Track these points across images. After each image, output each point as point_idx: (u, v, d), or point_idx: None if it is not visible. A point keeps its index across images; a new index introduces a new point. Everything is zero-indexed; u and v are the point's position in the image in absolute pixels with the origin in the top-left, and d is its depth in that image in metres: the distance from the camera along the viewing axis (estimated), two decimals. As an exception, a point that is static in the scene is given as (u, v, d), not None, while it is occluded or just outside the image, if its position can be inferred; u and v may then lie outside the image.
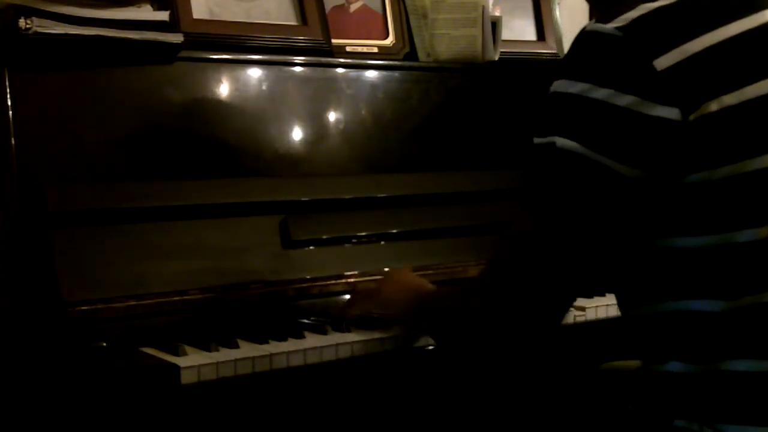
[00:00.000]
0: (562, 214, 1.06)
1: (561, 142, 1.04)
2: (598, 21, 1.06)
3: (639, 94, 1.01)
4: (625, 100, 1.01)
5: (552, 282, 1.09)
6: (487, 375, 1.58)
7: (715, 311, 1.05)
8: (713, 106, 1.01)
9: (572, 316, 1.63)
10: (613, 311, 1.69)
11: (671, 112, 1.00)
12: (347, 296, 1.61)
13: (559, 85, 1.07)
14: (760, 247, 1.03)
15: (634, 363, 1.25)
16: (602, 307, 1.68)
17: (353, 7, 1.93)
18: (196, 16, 1.68)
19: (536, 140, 1.09)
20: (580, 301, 1.69)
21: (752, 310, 1.04)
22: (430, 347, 1.48)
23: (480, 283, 1.20)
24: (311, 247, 1.63)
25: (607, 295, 1.75)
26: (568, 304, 1.15)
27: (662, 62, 1.01)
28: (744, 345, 1.04)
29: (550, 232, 1.07)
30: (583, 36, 1.07)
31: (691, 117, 1.01)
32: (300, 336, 1.41)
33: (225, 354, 1.32)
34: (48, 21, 1.43)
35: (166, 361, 1.27)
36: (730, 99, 1.02)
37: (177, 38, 1.56)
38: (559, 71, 1.08)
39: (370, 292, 1.52)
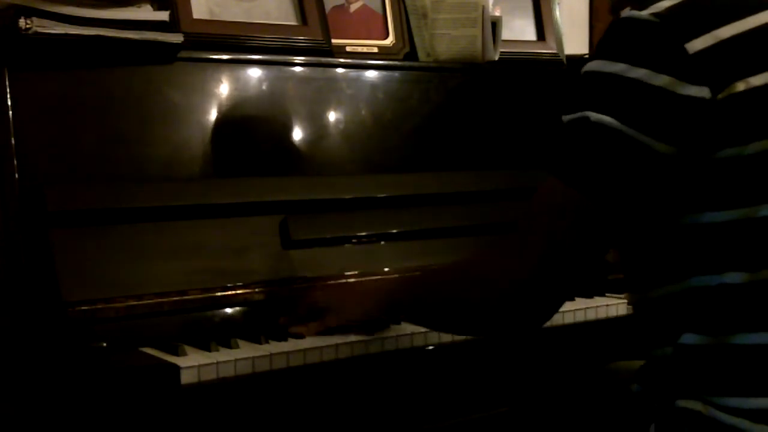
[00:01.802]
0: (597, 183, 1.09)
1: (595, 116, 1.09)
2: (633, 8, 1.13)
3: (673, 74, 1.06)
4: (660, 80, 1.07)
5: (579, 247, 1.13)
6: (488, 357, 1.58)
7: (734, 283, 1.09)
8: (741, 86, 1.07)
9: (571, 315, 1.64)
10: (614, 311, 1.69)
11: (702, 91, 1.06)
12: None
13: (595, 65, 1.12)
14: None
15: (639, 363, 1.26)
16: (602, 307, 1.68)
17: (353, 7, 1.93)
18: (196, 16, 1.68)
19: (566, 117, 1.13)
20: (579, 302, 1.69)
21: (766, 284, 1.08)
22: (430, 347, 1.49)
23: (498, 253, 1.20)
24: (311, 247, 1.63)
25: (607, 295, 1.75)
26: (584, 273, 1.17)
27: (694, 45, 1.07)
28: (758, 318, 1.08)
29: (584, 199, 1.10)
30: (620, 22, 1.13)
31: (720, 96, 1.06)
32: (300, 336, 1.41)
33: (225, 354, 1.32)
34: (48, 21, 1.43)
35: (166, 361, 1.27)
36: (756, 80, 1.08)
37: (177, 38, 1.56)
38: (595, 53, 1.13)
39: (333, 305, 1.48)
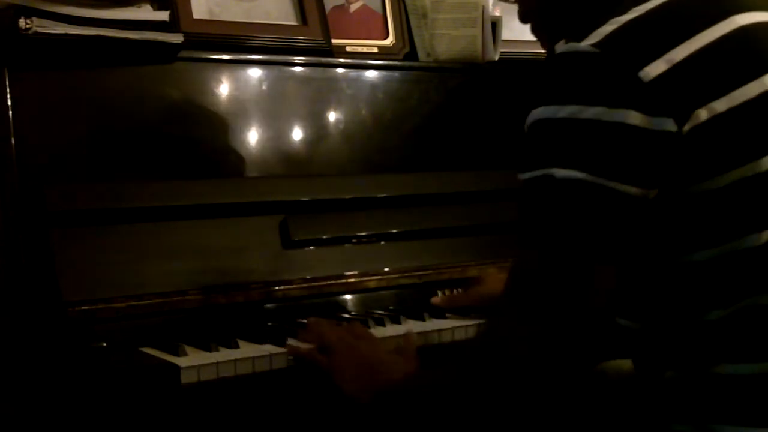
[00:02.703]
0: (574, 246, 1.01)
1: (560, 173, 0.99)
2: (568, 41, 1.03)
3: (631, 106, 0.97)
4: (617, 115, 0.97)
5: (580, 314, 1.05)
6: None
7: (715, 318, 1.04)
8: (703, 115, 0.99)
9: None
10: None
11: (667, 123, 0.98)
12: (348, 296, 1.61)
13: (543, 112, 1.02)
14: (761, 251, 1.02)
15: (628, 362, 1.25)
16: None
17: (353, 7, 1.93)
18: (196, 16, 1.68)
19: (527, 175, 1.03)
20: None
21: (748, 313, 1.03)
22: (430, 346, 1.49)
23: (504, 337, 1.10)
24: (311, 247, 1.63)
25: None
26: (603, 325, 1.10)
27: (648, 73, 0.98)
28: (740, 348, 1.04)
29: (564, 266, 1.02)
30: (558, 58, 1.04)
31: (685, 128, 0.98)
32: (300, 336, 1.41)
33: (225, 354, 1.32)
34: (48, 21, 1.43)
35: (166, 361, 1.27)
36: (719, 105, 0.99)
37: (177, 38, 1.56)
38: (539, 98, 1.03)
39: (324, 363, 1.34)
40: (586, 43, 1.00)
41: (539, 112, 1.03)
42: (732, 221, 1.01)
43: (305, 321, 1.50)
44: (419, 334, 1.48)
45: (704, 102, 0.99)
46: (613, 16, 1.03)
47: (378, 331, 1.47)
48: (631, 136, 0.97)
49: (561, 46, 1.05)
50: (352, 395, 1.26)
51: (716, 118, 0.99)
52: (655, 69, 0.98)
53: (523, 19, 1.24)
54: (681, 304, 1.06)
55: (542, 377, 1.08)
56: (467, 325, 1.52)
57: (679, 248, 1.03)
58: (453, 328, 1.52)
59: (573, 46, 1.01)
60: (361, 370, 1.28)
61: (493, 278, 1.62)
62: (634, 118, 0.97)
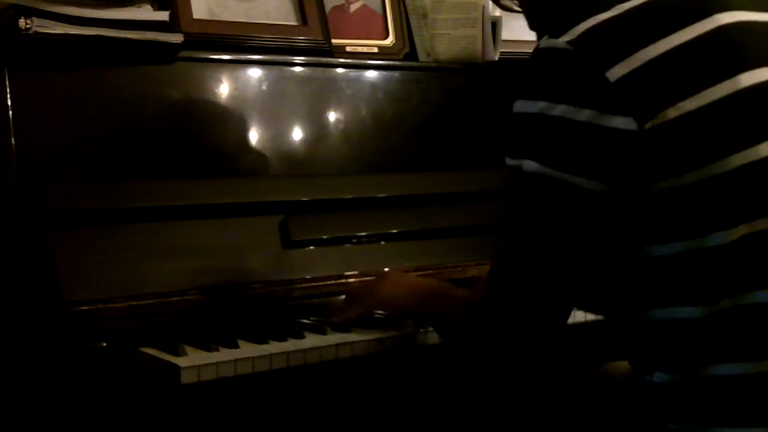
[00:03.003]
0: (536, 236, 1.07)
1: (527, 164, 1.06)
2: (551, 36, 1.06)
3: (594, 107, 1.01)
4: (582, 114, 1.01)
5: (538, 303, 1.10)
6: (485, 375, 1.58)
7: (695, 317, 1.05)
8: (672, 113, 1.01)
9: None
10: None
11: (627, 122, 1.00)
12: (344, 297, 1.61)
13: (521, 106, 1.08)
14: (731, 249, 1.03)
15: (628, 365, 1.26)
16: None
17: (353, 7, 1.93)
18: (196, 16, 1.68)
19: (509, 161, 1.10)
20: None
21: (730, 314, 1.04)
22: (430, 346, 1.49)
23: (473, 311, 1.19)
24: (311, 247, 1.63)
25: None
26: (562, 321, 1.14)
27: (615, 72, 1.01)
28: (726, 349, 1.04)
29: (527, 254, 1.08)
30: (537, 53, 1.08)
31: (647, 125, 1.00)
32: (300, 336, 1.41)
33: (225, 354, 1.31)
34: (48, 21, 1.43)
35: (166, 361, 1.27)
36: (689, 104, 1.01)
37: (177, 38, 1.56)
38: (520, 91, 1.08)
39: (365, 293, 1.50)
40: (563, 40, 1.04)
41: (518, 105, 1.08)
42: (697, 218, 1.03)
43: (305, 321, 1.51)
44: (419, 334, 1.48)
45: (673, 101, 1.01)
46: (596, 13, 1.05)
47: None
48: (592, 133, 1.01)
49: (542, 41, 1.08)
50: (397, 311, 1.45)
51: (685, 117, 1.01)
52: (622, 68, 1.01)
53: (527, 18, 1.28)
54: (654, 300, 1.08)
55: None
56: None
57: (644, 242, 1.05)
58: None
59: (551, 42, 1.05)
60: (396, 289, 1.43)
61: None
62: (597, 117, 1.01)
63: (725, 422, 1.05)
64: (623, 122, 1.00)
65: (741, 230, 1.02)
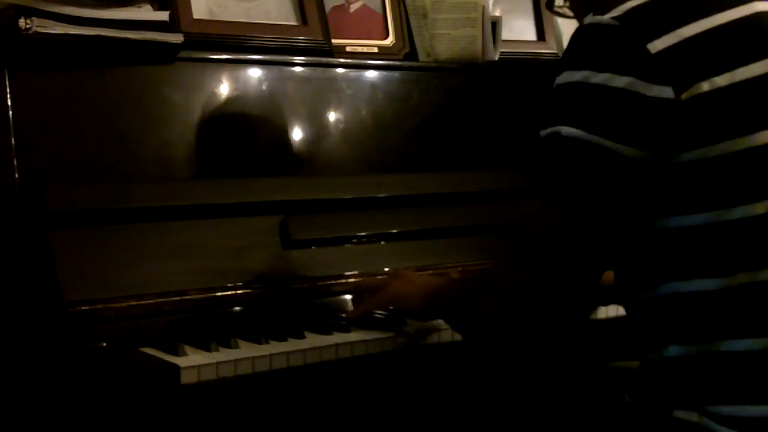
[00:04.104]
0: (575, 199, 1.09)
1: (565, 130, 1.09)
2: (595, 14, 1.12)
3: (635, 74, 1.05)
4: (622, 81, 1.06)
5: (574, 265, 1.12)
6: (502, 368, 1.58)
7: (711, 290, 1.08)
8: (705, 87, 1.06)
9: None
10: (613, 311, 1.69)
11: (665, 91, 1.05)
12: (348, 296, 1.61)
13: (562, 77, 1.12)
14: (753, 224, 1.06)
15: (637, 363, 1.26)
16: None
17: (353, 7, 1.93)
18: (196, 16, 1.68)
19: (542, 132, 1.13)
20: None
21: (746, 289, 1.07)
22: (431, 347, 1.49)
23: (505, 273, 1.19)
24: (311, 247, 1.63)
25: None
26: (592, 287, 1.16)
27: (656, 45, 1.06)
28: (740, 324, 1.07)
29: (566, 217, 1.10)
30: (582, 29, 1.12)
31: (684, 96, 1.05)
32: (300, 336, 1.41)
33: (225, 354, 1.32)
34: (48, 21, 1.43)
35: (166, 361, 1.27)
36: (721, 80, 1.06)
37: (177, 38, 1.56)
38: (561, 65, 1.12)
39: (380, 289, 1.50)
40: (608, 16, 1.09)
41: (560, 78, 1.12)
42: (723, 190, 1.07)
43: (305, 321, 1.51)
44: (419, 334, 1.48)
45: (707, 75, 1.06)
46: None
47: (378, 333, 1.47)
48: (631, 100, 1.05)
49: (587, 18, 1.13)
50: (411, 308, 1.45)
51: (716, 92, 1.06)
52: (663, 42, 1.06)
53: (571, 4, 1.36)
54: (673, 273, 1.10)
55: (530, 318, 1.15)
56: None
57: (669, 213, 1.09)
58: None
59: (596, 18, 1.11)
60: (411, 286, 1.45)
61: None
62: (637, 85, 1.05)
63: (736, 400, 1.07)
64: (661, 91, 1.05)
65: (765, 205, 1.07)
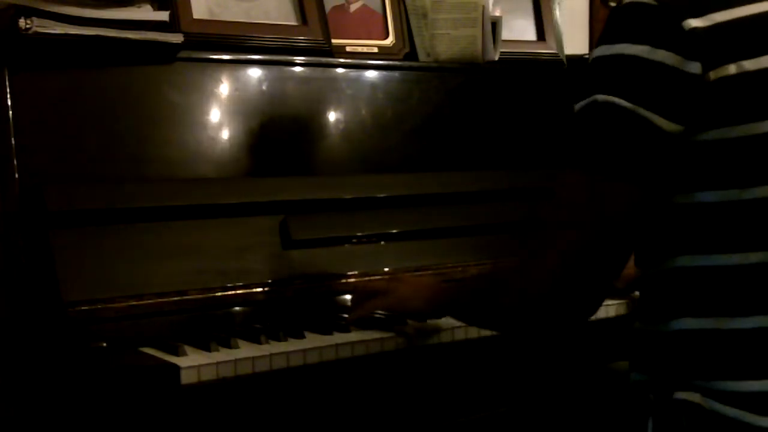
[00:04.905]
0: (615, 167, 1.11)
1: (602, 97, 1.12)
2: None
3: (671, 49, 1.09)
4: (659, 54, 1.09)
5: (612, 233, 1.14)
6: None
7: (725, 265, 1.11)
8: (732, 69, 1.09)
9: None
10: (613, 311, 1.69)
11: (695, 67, 1.09)
12: (347, 296, 1.61)
13: (598, 51, 1.15)
14: (766, 205, 1.10)
15: None
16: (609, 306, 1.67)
17: (353, 7, 1.93)
18: (196, 16, 1.68)
19: (577, 106, 1.16)
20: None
21: (759, 268, 1.10)
22: (433, 347, 1.49)
23: (543, 250, 1.19)
24: (311, 247, 1.63)
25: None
26: (625, 259, 1.18)
27: (690, 23, 1.10)
28: (751, 301, 1.10)
29: (608, 185, 1.12)
30: (619, 7, 1.16)
31: (711, 75, 1.09)
32: (300, 336, 1.41)
33: (225, 354, 1.32)
34: (48, 21, 1.43)
35: (166, 361, 1.27)
36: (749, 65, 1.10)
37: (177, 38, 1.56)
38: (599, 40, 1.16)
39: (380, 292, 1.50)
40: None
41: (595, 51, 1.16)
42: (740, 170, 1.11)
43: (305, 321, 1.51)
44: (419, 335, 1.48)
45: (735, 59, 1.10)
46: None
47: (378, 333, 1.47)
48: (667, 73, 1.09)
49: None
50: (417, 309, 1.46)
51: (743, 75, 1.10)
52: (696, 22, 1.10)
53: None
54: (691, 245, 1.14)
55: (569, 289, 1.16)
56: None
57: (692, 188, 1.12)
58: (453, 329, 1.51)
59: None
60: (413, 289, 1.48)
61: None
62: (671, 58, 1.09)
63: (741, 375, 1.10)
64: (692, 66, 1.09)
65: None
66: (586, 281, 1.15)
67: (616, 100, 1.10)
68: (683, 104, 1.09)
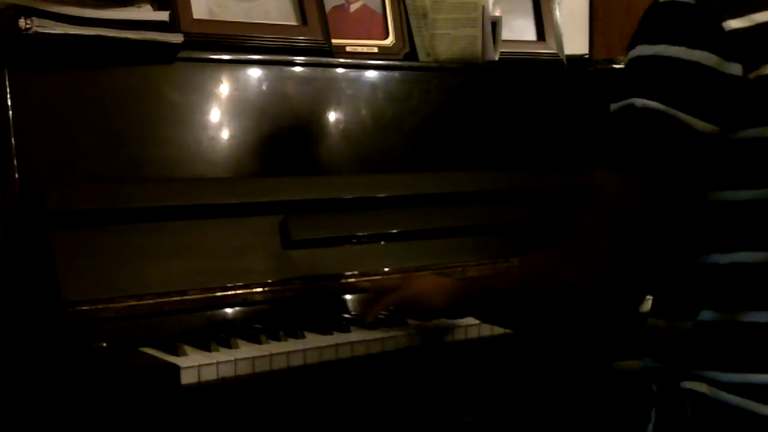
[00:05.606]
0: (649, 169, 1.12)
1: (640, 102, 1.12)
2: None
3: (709, 49, 1.09)
4: (696, 55, 1.09)
5: (648, 235, 1.15)
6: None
7: (752, 262, 1.12)
8: None
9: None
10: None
11: (735, 68, 1.09)
12: (348, 296, 1.61)
13: (636, 51, 1.15)
14: None
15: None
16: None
17: (353, 7, 1.93)
18: (196, 16, 1.68)
19: (614, 106, 1.16)
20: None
21: None
22: (430, 346, 1.49)
23: (578, 247, 1.20)
24: (311, 247, 1.62)
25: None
26: (661, 257, 1.19)
27: (730, 24, 1.09)
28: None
29: (642, 186, 1.13)
30: (657, 6, 1.15)
31: (751, 75, 1.09)
32: (300, 336, 1.41)
33: (225, 354, 1.32)
34: (48, 21, 1.43)
35: (166, 361, 1.27)
36: None
37: (177, 38, 1.56)
38: (635, 39, 1.16)
39: (396, 288, 1.51)
40: None
41: (633, 51, 1.16)
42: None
43: (305, 321, 1.51)
44: (419, 335, 1.48)
45: None
46: None
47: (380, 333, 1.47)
48: (704, 74, 1.09)
49: None
50: (435, 306, 1.46)
51: None
52: (736, 23, 1.10)
53: None
54: (721, 243, 1.14)
55: (611, 283, 1.17)
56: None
57: (722, 186, 1.13)
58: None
59: None
60: (431, 284, 1.49)
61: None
62: (709, 59, 1.09)
63: (751, 368, 1.11)
64: (732, 68, 1.09)
65: None
66: (625, 276, 1.16)
67: (654, 104, 1.10)
68: (720, 105, 1.09)
